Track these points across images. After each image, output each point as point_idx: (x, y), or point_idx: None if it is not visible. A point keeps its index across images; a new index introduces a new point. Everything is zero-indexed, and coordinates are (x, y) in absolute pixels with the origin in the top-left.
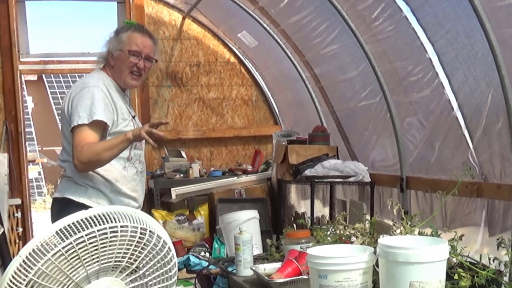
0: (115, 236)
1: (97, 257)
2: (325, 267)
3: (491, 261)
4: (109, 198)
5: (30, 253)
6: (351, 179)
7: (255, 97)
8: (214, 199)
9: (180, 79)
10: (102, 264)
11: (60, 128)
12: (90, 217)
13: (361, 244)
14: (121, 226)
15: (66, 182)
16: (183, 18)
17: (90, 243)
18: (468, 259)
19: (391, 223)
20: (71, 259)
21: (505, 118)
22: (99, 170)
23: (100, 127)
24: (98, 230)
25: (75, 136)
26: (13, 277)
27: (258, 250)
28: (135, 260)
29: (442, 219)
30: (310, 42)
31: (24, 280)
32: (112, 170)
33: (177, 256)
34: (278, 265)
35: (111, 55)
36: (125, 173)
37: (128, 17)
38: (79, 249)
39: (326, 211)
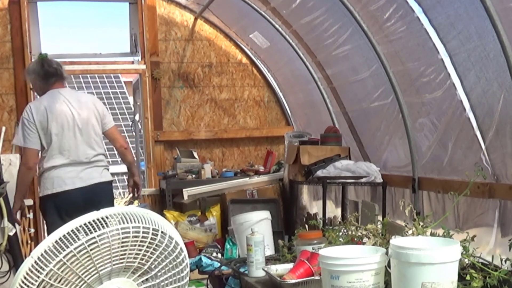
0: (127, 237)
1: (109, 258)
2: (337, 268)
3: (503, 262)
4: None
5: (42, 254)
6: (363, 180)
7: (267, 98)
8: (226, 200)
9: (192, 80)
10: (114, 265)
11: (86, 129)
12: (102, 218)
13: (373, 245)
14: (133, 227)
15: (106, 170)
16: (195, 19)
17: (102, 244)
18: (480, 260)
19: (403, 224)
20: (83, 260)
21: None
22: None
23: None
24: (110, 231)
25: (116, 130)
26: (25, 278)
27: (270, 251)
28: (147, 261)
29: (454, 220)
30: (322, 43)
31: (36, 281)
32: None
33: (189, 257)
34: (290, 266)
35: None
36: None
37: (140, 17)
38: (91, 250)
39: (338, 212)
